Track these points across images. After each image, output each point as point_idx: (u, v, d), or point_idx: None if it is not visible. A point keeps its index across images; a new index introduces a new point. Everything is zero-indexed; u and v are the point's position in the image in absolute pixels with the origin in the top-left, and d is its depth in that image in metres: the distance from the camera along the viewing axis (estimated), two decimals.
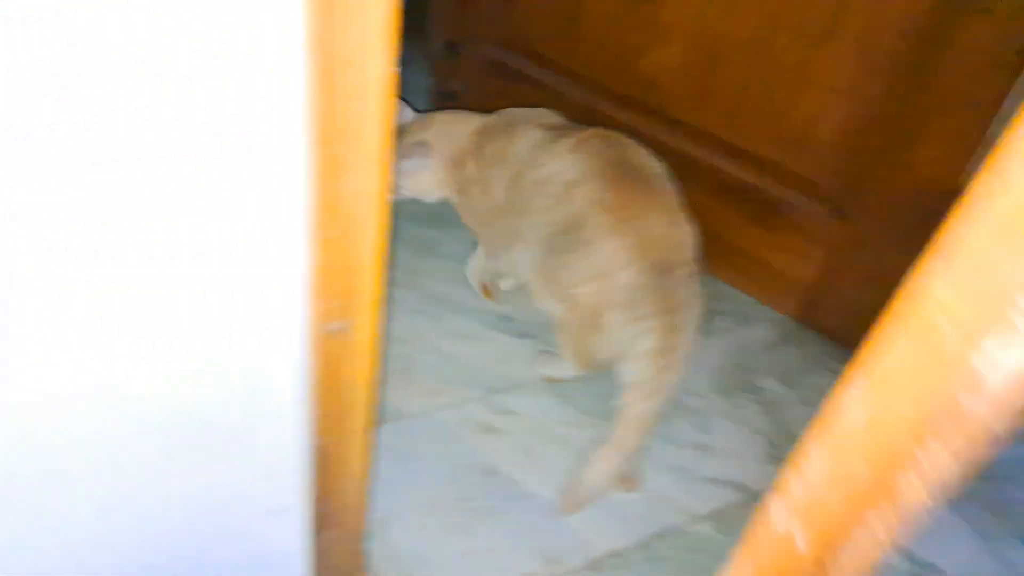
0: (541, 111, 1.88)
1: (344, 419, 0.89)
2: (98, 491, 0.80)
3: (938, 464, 0.47)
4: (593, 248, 1.53)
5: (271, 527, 0.97)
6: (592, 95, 2.25)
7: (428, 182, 1.91)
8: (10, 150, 0.54)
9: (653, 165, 1.65)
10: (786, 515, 0.56)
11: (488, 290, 2.08)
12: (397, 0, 0.61)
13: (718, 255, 1.95)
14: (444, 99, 2.64)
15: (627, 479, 1.57)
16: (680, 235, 1.56)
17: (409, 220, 2.25)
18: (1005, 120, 1.51)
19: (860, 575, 0.54)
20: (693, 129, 2.07)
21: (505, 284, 2.09)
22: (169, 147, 0.60)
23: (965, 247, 0.42)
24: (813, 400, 1.89)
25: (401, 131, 1.90)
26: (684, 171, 1.74)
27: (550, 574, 1.42)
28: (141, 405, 0.75)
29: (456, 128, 1.88)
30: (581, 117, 1.87)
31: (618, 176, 1.58)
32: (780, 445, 1.76)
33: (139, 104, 0.57)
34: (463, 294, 2.09)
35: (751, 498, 1.62)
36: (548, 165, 1.65)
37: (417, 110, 1.95)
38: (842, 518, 0.52)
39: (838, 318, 2.01)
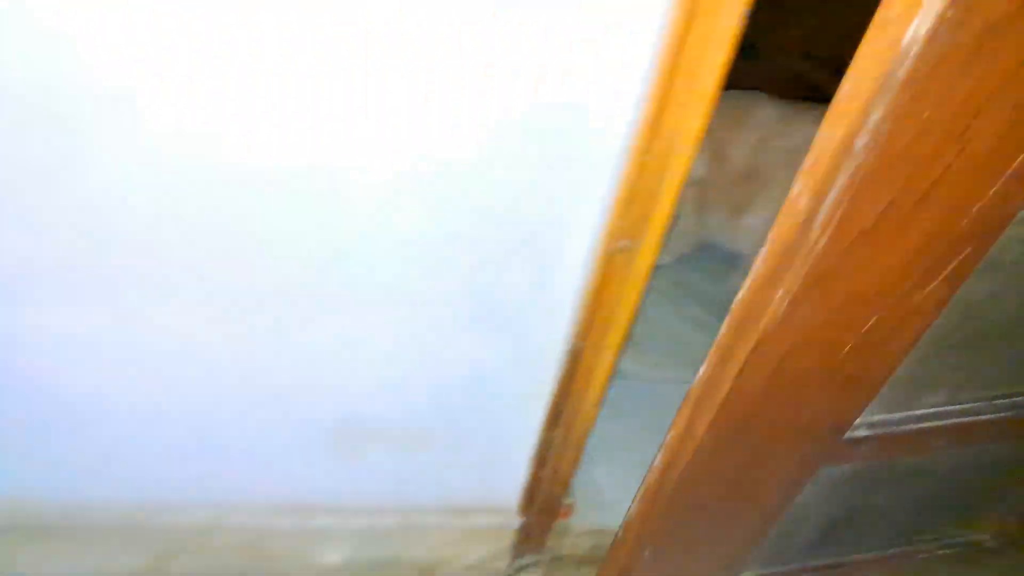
0: (759, 93, 1.87)
1: (602, 331, 1.00)
2: (393, 334, 0.99)
3: (875, 125, 0.64)
4: None
5: (516, 411, 1.12)
6: None
7: None
8: None
9: None
10: (800, 184, 0.71)
11: None
12: None
13: None
14: None
15: None
16: None
17: None
18: None
19: (828, 225, 0.70)
20: None
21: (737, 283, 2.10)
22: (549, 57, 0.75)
23: None
24: None
25: None
26: None
27: None
28: (451, 275, 0.92)
29: None
30: None
31: None
32: None
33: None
34: (705, 284, 2.13)
35: None
36: (797, 135, 1.65)
37: None
38: (825, 175, 0.68)
39: None
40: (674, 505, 1.01)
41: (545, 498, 1.27)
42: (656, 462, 0.98)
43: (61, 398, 1.02)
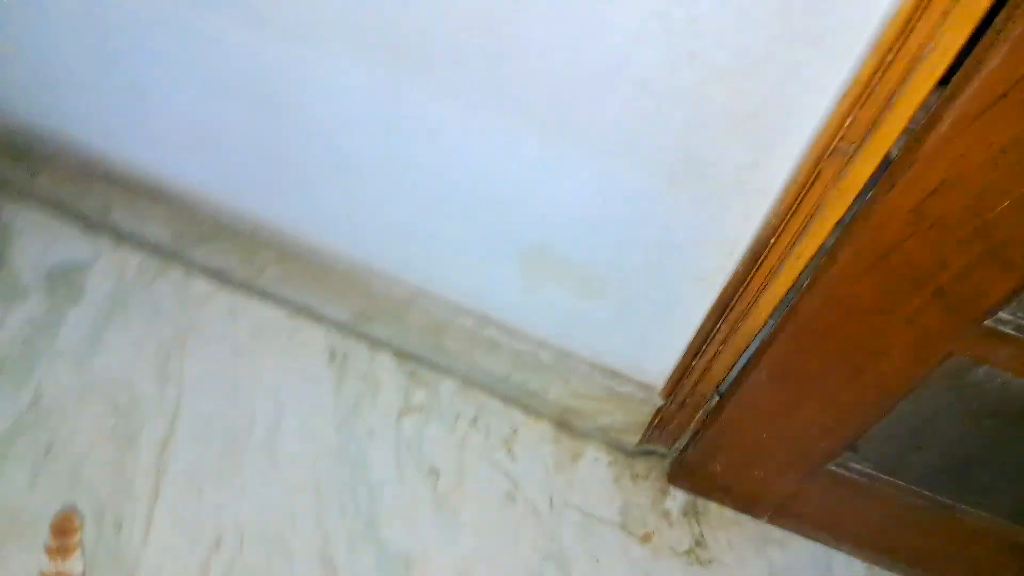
0: None
1: (795, 237, 1.01)
2: (600, 174, 1.08)
3: None
4: None
5: (688, 290, 1.18)
6: None
7: None
8: None
9: None
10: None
11: None
12: None
13: None
14: None
15: None
16: None
17: None
18: None
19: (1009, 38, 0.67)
20: None
21: None
22: None
23: None
24: None
25: None
26: None
27: None
28: (671, 130, 0.99)
29: None
30: None
31: None
32: None
33: None
34: None
35: None
36: None
37: None
38: None
39: None
40: (804, 330, 1.03)
41: (690, 391, 1.33)
42: (801, 286, 1.01)
43: (326, 146, 1.24)
